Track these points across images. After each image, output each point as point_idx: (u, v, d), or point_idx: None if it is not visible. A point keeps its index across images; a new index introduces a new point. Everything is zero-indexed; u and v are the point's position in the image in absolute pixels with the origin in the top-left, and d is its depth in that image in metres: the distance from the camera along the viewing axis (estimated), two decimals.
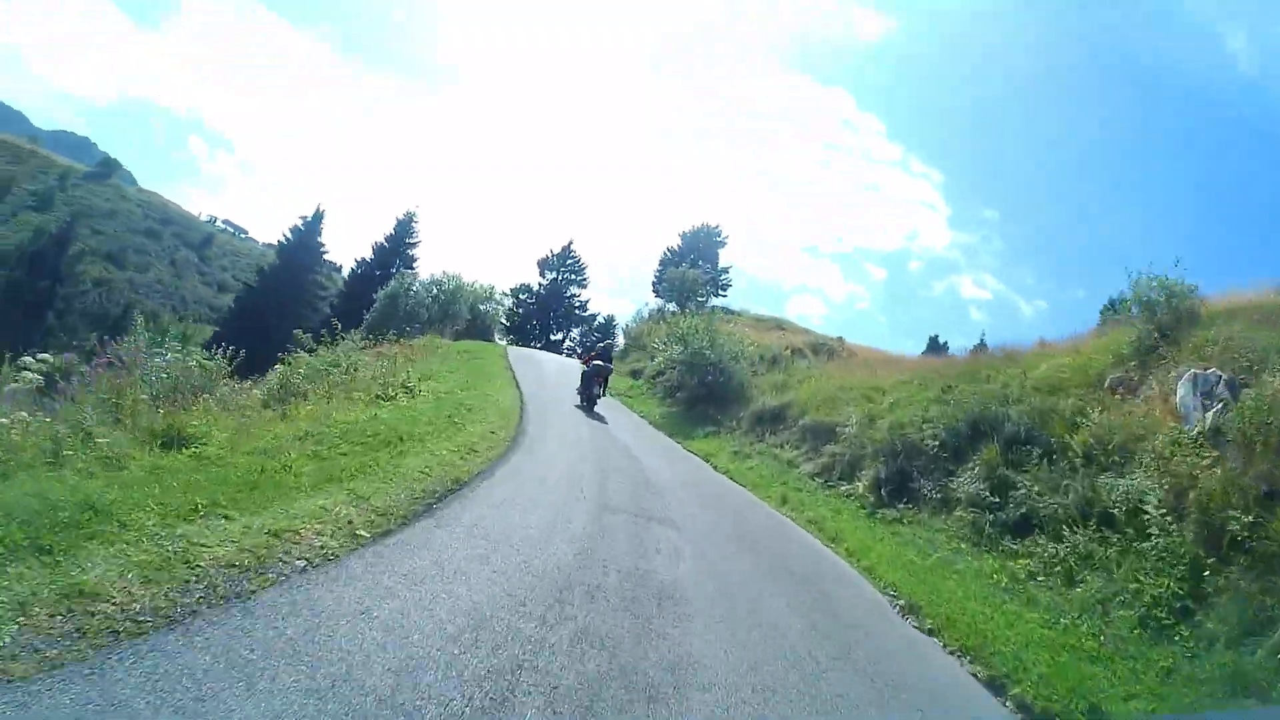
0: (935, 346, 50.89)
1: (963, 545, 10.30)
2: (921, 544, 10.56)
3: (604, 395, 18.60)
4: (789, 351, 24.05)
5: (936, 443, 12.57)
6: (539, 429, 12.35)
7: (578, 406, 17.36)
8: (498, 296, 35.21)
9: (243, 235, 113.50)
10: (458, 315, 30.35)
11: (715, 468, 14.81)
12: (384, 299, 31.07)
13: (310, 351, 13.51)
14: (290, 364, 12.88)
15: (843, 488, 13.64)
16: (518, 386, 17.55)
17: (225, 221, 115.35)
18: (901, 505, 12.15)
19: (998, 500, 10.67)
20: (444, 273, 32.50)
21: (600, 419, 16.56)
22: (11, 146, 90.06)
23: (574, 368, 24.00)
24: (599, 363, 18.72)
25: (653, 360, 26.69)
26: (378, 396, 11.66)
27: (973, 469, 11.50)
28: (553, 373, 22.80)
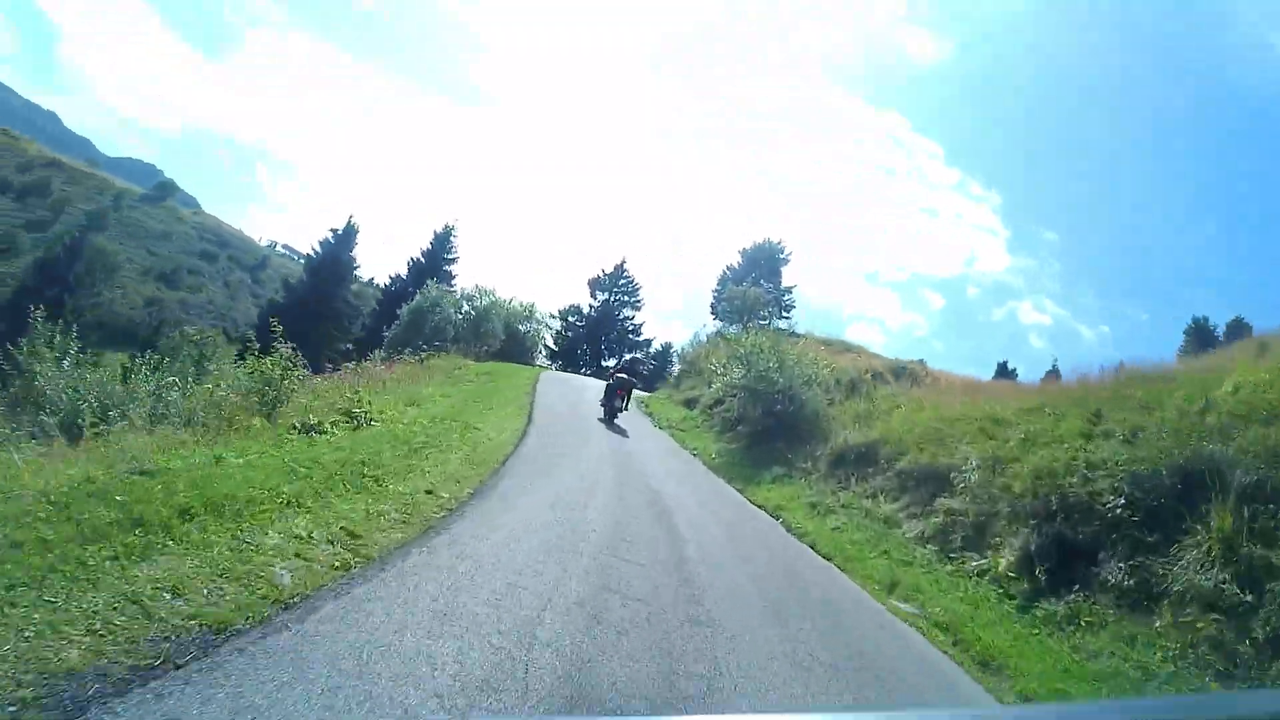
0: (1005, 373, 46.03)
1: (1205, 675, 6.32)
2: (1129, 670, 6.60)
3: (626, 409, 18.02)
4: (869, 375, 20.03)
5: (1119, 500, 8.58)
6: (526, 477, 8.94)
7: (600, 419, 16.99)
8: (539, 316, 32.08)
9: (299, 258, 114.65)
10: (490, 334, 27.25)
11: (789, 528, 11.07)
12: (407, 315, 28.26)
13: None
14: (216, 380, 9.91)
15: (971, 562, 9.74)
16: (529, 416, 14.29)
17: (285, 246, 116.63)
18: (1072, 595, 8.17)
19: (1249, 599, 6.68)
20: (476, 287, 29.76)
21: (628, 452, 13.52)
22: (69, 169, 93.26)
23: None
24: (622, 376, 18.41)
25: (709, 387, 23.02)
26: (296, 426, 8.41)
27: (1196, 543, 7.49)
28: (588, 400, 19.38)
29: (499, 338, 28.00)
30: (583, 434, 14.09)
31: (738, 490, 13.61)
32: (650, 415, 22.14)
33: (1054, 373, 29.16)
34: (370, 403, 10.60)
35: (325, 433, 8.50)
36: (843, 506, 12.53)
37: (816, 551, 9.86)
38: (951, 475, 11.47)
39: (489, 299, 28.82)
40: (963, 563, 9.78)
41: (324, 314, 34.45)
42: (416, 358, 20.67)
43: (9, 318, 36.39)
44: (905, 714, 3.74)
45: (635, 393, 19.56)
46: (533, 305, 31.37)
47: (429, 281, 29.29)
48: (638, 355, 50.01)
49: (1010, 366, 50.37)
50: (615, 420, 17.12)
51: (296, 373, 10.51)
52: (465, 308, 27.55)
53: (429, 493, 6.94)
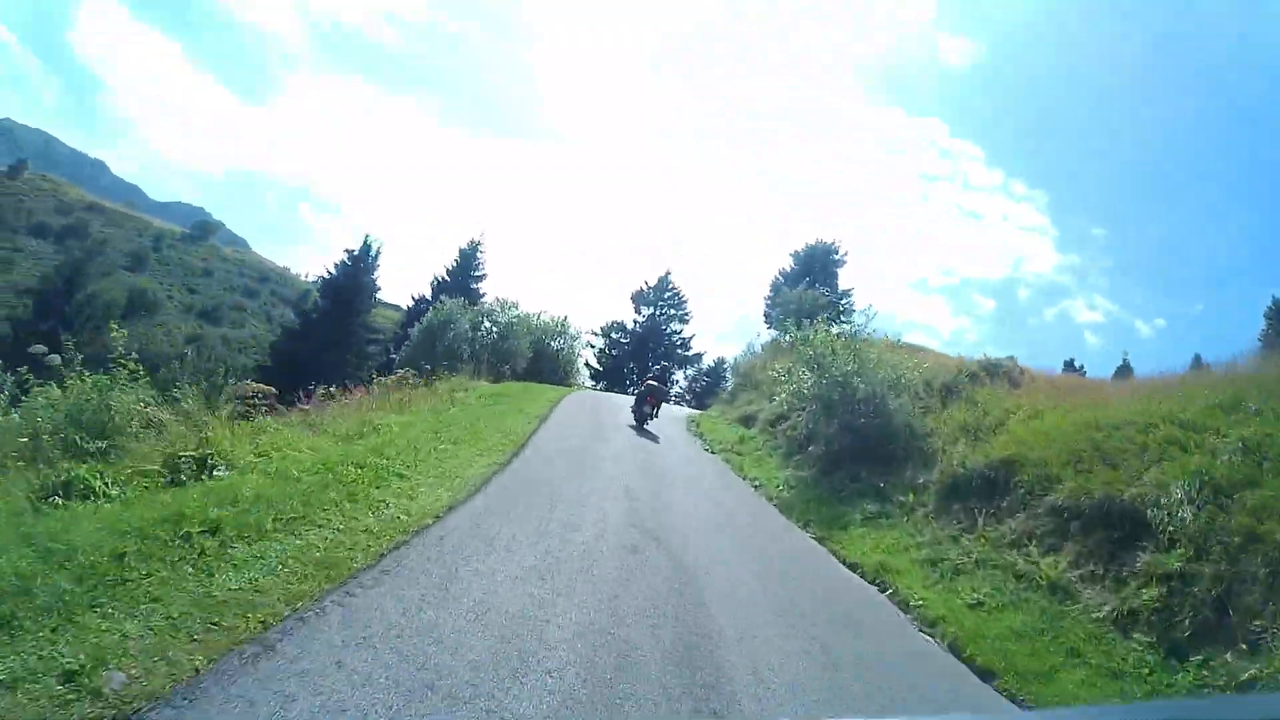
0: (1073, 371, 41.42)
1: None
2: None
3: (655, 416, 17.57)
4: (965, 376, 16.05)
5: None
6: (439, 574, 5.36)
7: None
8: (574, 331, 28.67)
9: None
10: (512, 353, 23.95)
11: (905, 606, 7.44)
12: (418, 335, 25.21)
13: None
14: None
15: (1221, 668, 5.94)
16: (518, 452, 10.56)
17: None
18: None
19: None
20: (496, 300, 26.55)
21: (661, 491, 9.90)
22: (110, 211, 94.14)
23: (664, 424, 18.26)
24: (652, 384, 18.25)
25: (770, 400, 19.33)
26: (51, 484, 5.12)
27: None
28: (619, 425, 15.95)
29: (525, 356, 24.68)
30: (599, 471, 10.53)
31: (817, 539, 10.00)
32: (700, 436, 18.56)
33: (1125, 368, 25.55)
34: (237, 442, 7.21)
35: (99, 497, 5.18)
36: (976, 563, 8.78)
37: (962, 658, 6.18)
38: (1149, 513, 7.67)
39: (512, 313, 25.59)
40: (1209, 673, 5.97)
41: (340, 340, 31.65)
42: (420, 380, 17.53)
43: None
44: None
45: (684, 411, 19.44)
46: (565, 319, 28.15)
47: (442, 298, 26.13)
48: (666, 364, 46.69)
49: (1078, 364, 45.76)
50: (646, 426, 16.74)
51: (132, 398, 7.21)
52: (484, 324, 24.32)
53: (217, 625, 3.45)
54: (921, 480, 11.43)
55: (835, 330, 32.21)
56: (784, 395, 15.32)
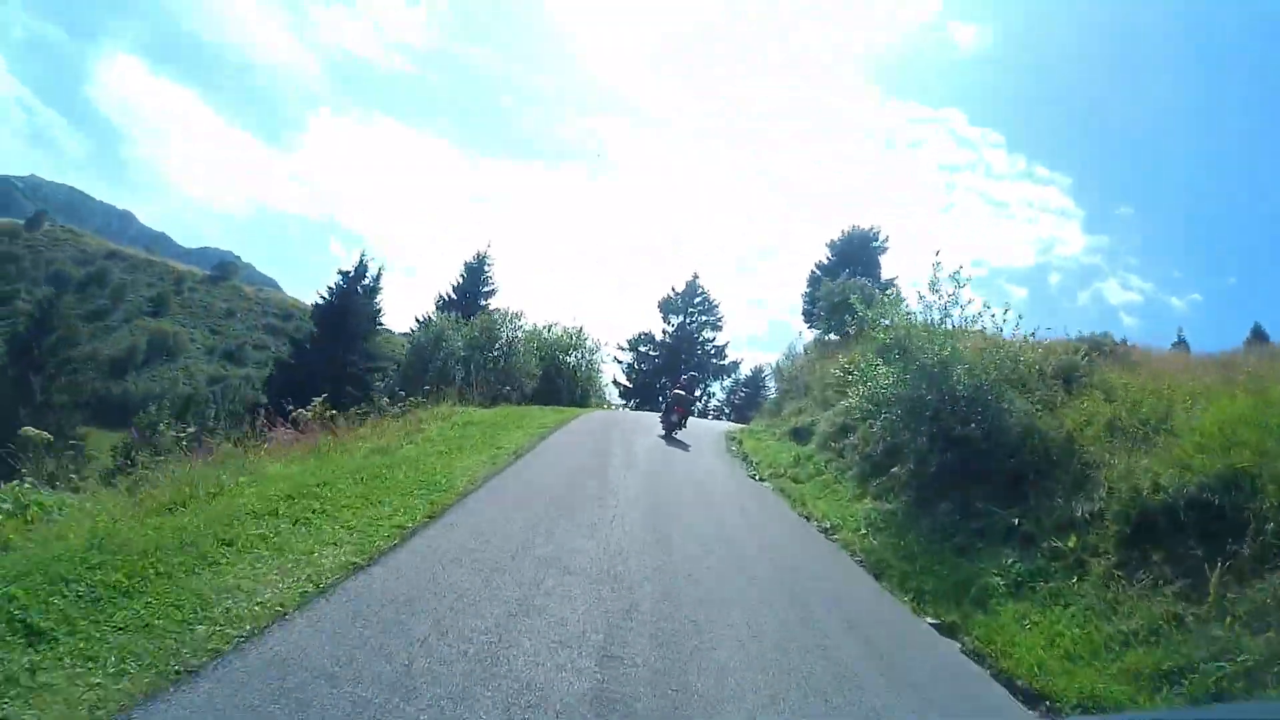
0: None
1: None
2: None
3: (684, 425, 16.67)
4: (1084, 359, 11.99)
5: None
6: None
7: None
8: (591, 344, 24.96)
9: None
10: (516, 371, 20.34)
11: None
12: (407, 357, 21.88)
13: None
14: None
15: None
16: (437, 519, 6.59)
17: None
18: None
19: None
20: (495, 310, 22.86)
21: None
22: (130, 257, 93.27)
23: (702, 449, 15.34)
24: (679, 393, 17.74)
25: (826, 409, 15.60)
26: None
27: None
28: (636, 461, 12.23)
29: (532, 374, 21.05)
30: (571, 561, 6.68)
31: (944, 629, 6.32)
32: (744, 458, 14.89)
33: (1182, 344, 21.96)
34: None
35: None
36: (1244, 671, 5.00)
37: None
38: None
39: (515, 326, 22.12)
40: None
41: (336, 369, 28.36)
42: (398, 408, 14.20)
43: None
44: None
45: (722, 426, 18.88)
46: (580, 330, 24.46)
47: (435, 312, 22.66)
48: (696, 374, 43.14)
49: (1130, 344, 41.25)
50: (675, 435, 16.02)
51: None
52: (481, 338, 20.74)
53: None
54: (1081, 512, 7.63)
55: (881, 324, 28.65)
56: (856, 399, 11.39)
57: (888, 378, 10.14)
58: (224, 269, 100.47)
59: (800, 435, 15.93)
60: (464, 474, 8.40)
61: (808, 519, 9.98)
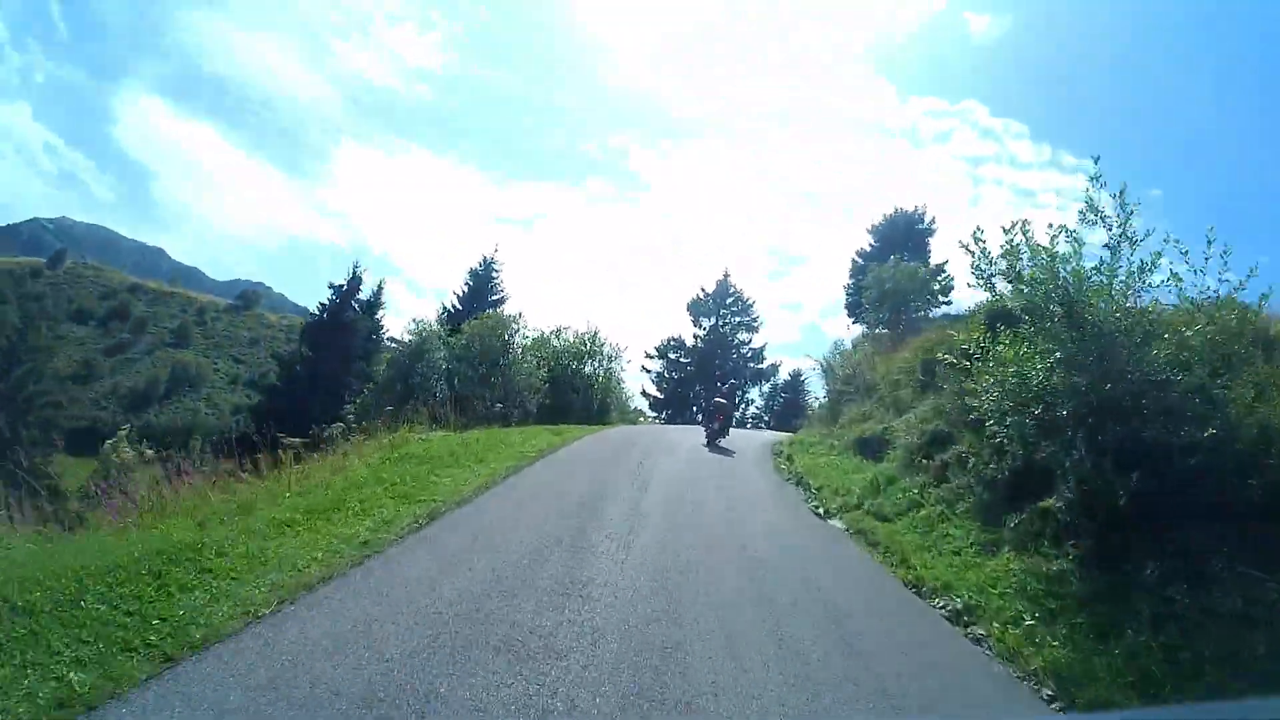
0: None
1: None
2: None
3: (726, 434, 15.60)
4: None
5: None
6: None
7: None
8: (610, 350, 21.33)
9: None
10: (515, 385, 16.87)
11: None
12: (384, 373, 18.56)
13: None
14: None
15: None
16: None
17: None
18: None
19: None
20: (488, 314, 19.29)
21: None
22: (152, 290, 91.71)
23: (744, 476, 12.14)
24: (720, 401, 16.88)
25: (902, 413, 12.00)
26: None
27: None
28: (650, 513, 8.46)
29: (535, 388, 17.45)
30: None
31: None
32: (799, 481, 11.36)
33: None
34: None
35: None
36: None
37: None
38: None
39: (504, 331, 18.73)
40: None
41: (328, 391, 25.20)
42: (361, 431, 10.96)
43: None
44: None
45: (763, 436, 18.33)
46: (596, 334, 20.87)
47: (413, 320, 19.40)
48: (735, 381, 39.70)
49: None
50: (718, 443, 15.03)
51: None
52: (472, 347, 17.21)
53: None
54: None
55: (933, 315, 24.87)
56: (985, 396, 7.49)
57: (1039, 360, 6.45)
58: (247, 298, 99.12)
59: (870, 448, 12.28)
60: (261, 579, 4.93)
61: (917, 589, 6.37)
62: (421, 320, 17.78)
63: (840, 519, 8.90)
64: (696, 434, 16.07)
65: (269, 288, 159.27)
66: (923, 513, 8.26)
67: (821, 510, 9.43)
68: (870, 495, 9.37)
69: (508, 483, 8.88)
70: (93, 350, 78.58)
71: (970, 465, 8.25)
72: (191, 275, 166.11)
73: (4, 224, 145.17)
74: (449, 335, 18.23)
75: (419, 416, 12.59)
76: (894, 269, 26.86)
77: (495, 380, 16.79)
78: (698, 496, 9.39)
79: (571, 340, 20.56)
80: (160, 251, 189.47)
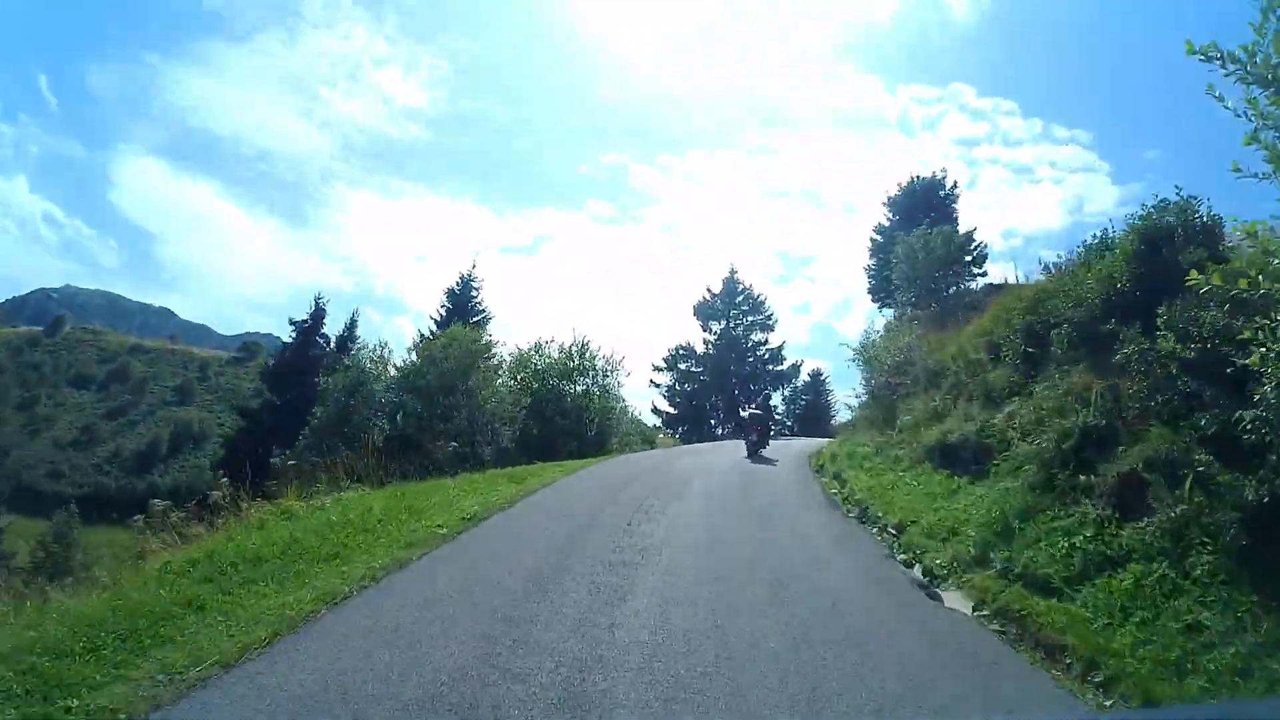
0: None
1: None
2: None
3: (766, 445, 15.21)
4: None
5: None
6: None
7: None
8: (604, 364, 17.77)
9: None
10: (482, 415, 13.23)
11: None
12: (324, 412, 14.99)
13: None
14: None
15: None
16: None
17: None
18: None
19: None
20: (441, 334, 15.58)
21: None
22: (152, 349, 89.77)
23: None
24: (757, 413, 16.94)
25: (1012, 400, 8.53)
26: None
27: None
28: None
29: (509, 419, 13.78)
30: None
31: None
32: (863, 513, 8.02)
33: None
34: None
35: None
36: None
37: None
38: None
39: (483, 352, 15.26)
40: None
41: (291, 436, 22.04)
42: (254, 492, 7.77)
43: None
44: None
45: (793, 445, 17.68)
46: (585, 345, 17.36)
47: (352, 347, 15.89)
48: (767, 390, 36.72)
49: None
50: (760, 453, 14.34)
51: None
52: (425, 372, 13.52)
53: None
54: None
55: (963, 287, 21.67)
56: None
57: None
58: (249, 349, 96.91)
59: (958, 459, 8.80)
60: None
61: None
62: (365, 344, 14.51)
63: (958, 589, 5.44)
64: (717, 455, 12.78)
65: (277, 338, 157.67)
66: (1109, 582, 4.75)
67: (920, 571, 5.99)
68: (998, 541, 5.88)
69: (323, 621, 4.66)
70: (92, 415, 76.51)
71: (1212, 484, 4.71)
72: (200, 332, 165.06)
73: (10, 296, 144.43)
74: (380, 362, 14.69)
75: (334, 471, 9.30)
76: (925, 236, 23.27)
77: (458, 413, 13.29)
78: (719, 601, 5.22)
79: (555, 357, 17.22)
80: (167, 311, 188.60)
